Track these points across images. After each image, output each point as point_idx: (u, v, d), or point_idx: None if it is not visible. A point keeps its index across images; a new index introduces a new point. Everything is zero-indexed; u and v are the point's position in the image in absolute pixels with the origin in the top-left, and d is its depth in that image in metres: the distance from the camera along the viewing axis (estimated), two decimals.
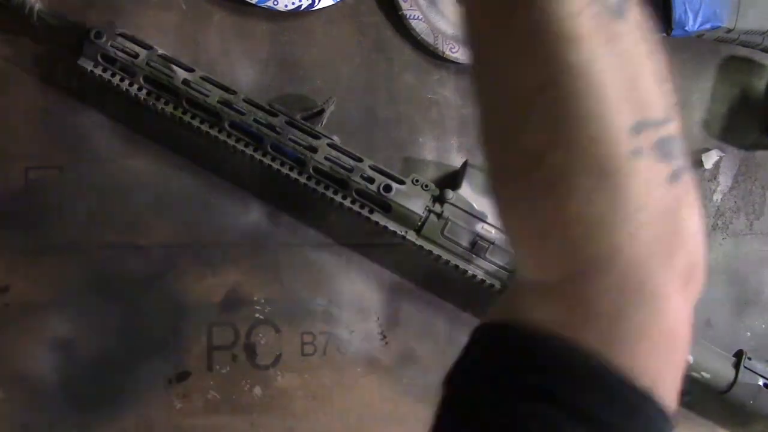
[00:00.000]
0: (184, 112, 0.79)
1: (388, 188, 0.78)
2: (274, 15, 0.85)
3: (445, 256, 0.80)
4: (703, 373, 0.81)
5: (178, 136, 0.83)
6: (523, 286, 0.40)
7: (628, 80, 0.37)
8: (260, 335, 0.85)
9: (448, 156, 0.87)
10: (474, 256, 0.80)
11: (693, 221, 0.38)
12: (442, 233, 0.79)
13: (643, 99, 0.38)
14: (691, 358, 0.81)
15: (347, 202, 0.79)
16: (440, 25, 0.86)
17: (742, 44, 0.86)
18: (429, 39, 0.85)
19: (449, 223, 0.79)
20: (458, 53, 0.84)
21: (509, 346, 0.39)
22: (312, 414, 0.86)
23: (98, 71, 0.79)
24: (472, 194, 0.80)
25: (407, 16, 0.85)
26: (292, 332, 0.86)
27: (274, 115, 0.79)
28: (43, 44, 0.84)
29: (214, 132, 0.79)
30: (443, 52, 0.85)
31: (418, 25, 0.85)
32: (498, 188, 0.40)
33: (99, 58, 0.79)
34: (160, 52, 0.79)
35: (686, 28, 0.83)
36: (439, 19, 0.87)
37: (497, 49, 0.37)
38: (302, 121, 0.79)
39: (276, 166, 0.79)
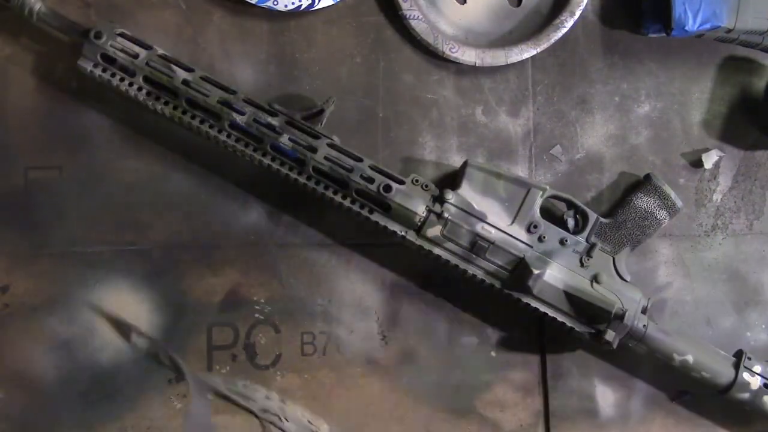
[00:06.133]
0: (184, 112, 0.79)
1: (388, 188, 0.78)
2: (274, 15, 0.85)
3: (445, 256, 0.80)
4: (703, 373, 0.81)
5: (179, 136, 0.83)
6: None
7: None
8: (260, 335, 0.85)
9: (448, 156, 0.87)
10: (474, 256, 0.80)
11: None
12: (442, 233, 0.79)
13: None
14: (691, 358, 0.81)
15: (347, 202, 0.79)
16: (440, 25, 0.86)
17: (742, 44, 0.86)
18: (429, 39, 0.85)
19: (449, 223, 0.79)
20: (458, 53, 0.84)
21: None
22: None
23: (98, 71, 0.79)
24: (472, 194, 0.80)
25: (407, 16, 0.85)
26: (291, 332, 0.86)
27: (274, 115, 0.79)
28: (43, 44, 0.84)
29: (214, 132, 0.79)
30: (443, 52, 0.85)
31: (419, 25, 0.85)
32: None
33: (99, 58, 0.79)
34: (160, 52, 0.79)
35: (686, 28, 0.83)
36: (440, 19, 0.87)
37: None
38: (302, 121, 0.79)
39: (276, 166, 0.79)
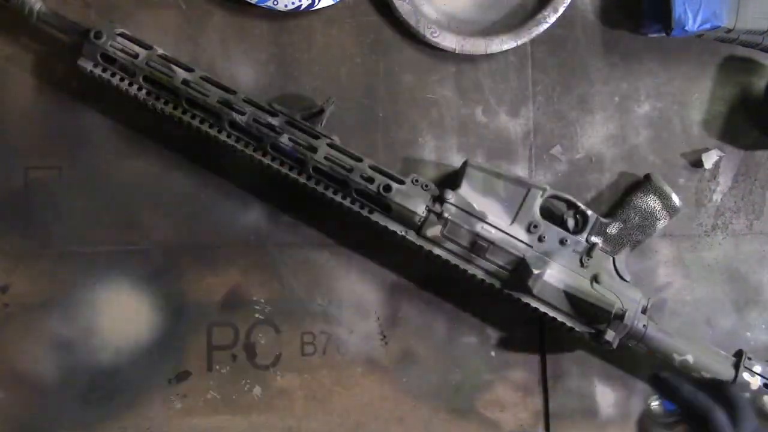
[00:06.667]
0: (184, 112, 0.79)
1: (388, 188, 0.78)
2: (274, 15, 0.85)
3: (445, 256, 0.80)
4: (703, 373, 0.81)
5: (178, 136, 0.83)
6: None
7: None
8: (260, 335, 0.85)
9: (447, 156, 0.87)
10: (474, 255, 0.80)
11: None
12: (442, 233, 0.79)
13: None
14: (691, 358, 0.81)
15: (347, 202, 0.79)
16: (424, 8, 0.86)
17: (742, 44, 0.86)
18: (411, 21, 0.84)
19: (449, 223, 0.79)
20: (439, 38, 0.84)
21: None
22: (312, 414, 0.86)
23: (98, 71, 0.79)
24: (472, 194, 0.80)
25: None
26: (291, 332, 0.86)
27: (274, 115, 0.79)
28: (43, 44, 0.84)
29: (214, 132, 0.79)
30: (424, 36, 0.84)
31: (402, 6, 0.84)
32: None
33: (99, 58, 0.79)
34: (159, 52, 0.79)
35: (686, 28, 0.83)
36: (424, 2, 0.86)
37: None
38: (302, 121, 0.79)
39: (276, 166, 0.79)
